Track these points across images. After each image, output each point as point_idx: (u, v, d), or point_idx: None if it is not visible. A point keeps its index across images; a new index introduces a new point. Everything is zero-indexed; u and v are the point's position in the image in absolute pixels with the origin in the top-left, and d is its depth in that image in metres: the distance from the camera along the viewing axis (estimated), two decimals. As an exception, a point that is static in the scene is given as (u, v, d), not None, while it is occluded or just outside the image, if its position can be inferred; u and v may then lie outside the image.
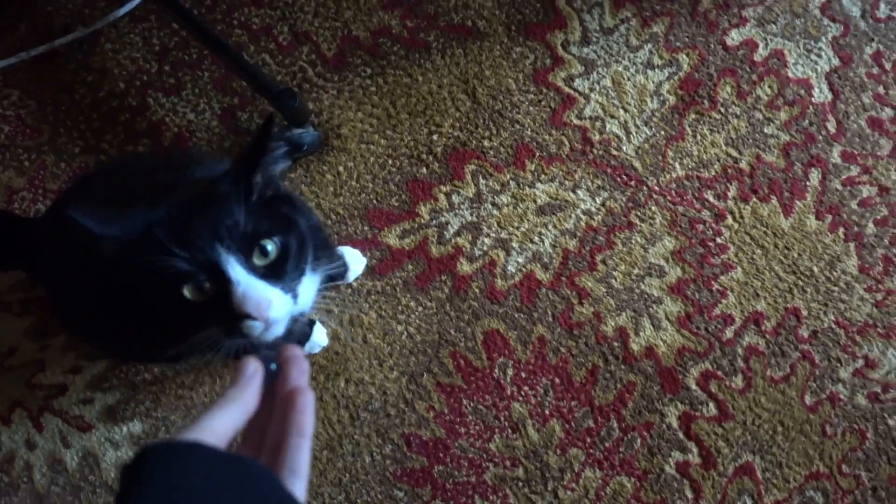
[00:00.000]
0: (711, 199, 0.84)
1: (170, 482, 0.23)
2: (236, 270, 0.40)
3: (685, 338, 0.82)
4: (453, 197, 0.85)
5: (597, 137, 0.86)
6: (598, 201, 0.84)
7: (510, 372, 0.81)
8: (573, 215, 0.84)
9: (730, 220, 0.84)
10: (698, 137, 0.85)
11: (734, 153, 0.85)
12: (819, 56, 0.86)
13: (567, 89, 0.87)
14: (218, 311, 0.41)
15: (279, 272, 0.42)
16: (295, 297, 0.44)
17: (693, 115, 0.86)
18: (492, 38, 0.88)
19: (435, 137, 0.87)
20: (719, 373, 0.80)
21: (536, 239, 0.84)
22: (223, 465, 0.24)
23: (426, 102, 0.87)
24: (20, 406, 0.84)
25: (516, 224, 0.84)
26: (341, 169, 0.87)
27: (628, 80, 0.87)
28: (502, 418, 0.81)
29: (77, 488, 0.82)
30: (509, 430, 0.80)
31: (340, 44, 0.88)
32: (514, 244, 0.84)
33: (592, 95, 0.86)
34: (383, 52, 0.88)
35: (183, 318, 0.43)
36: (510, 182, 0.85)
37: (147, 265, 0.39)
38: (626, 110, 0.86)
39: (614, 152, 0.85)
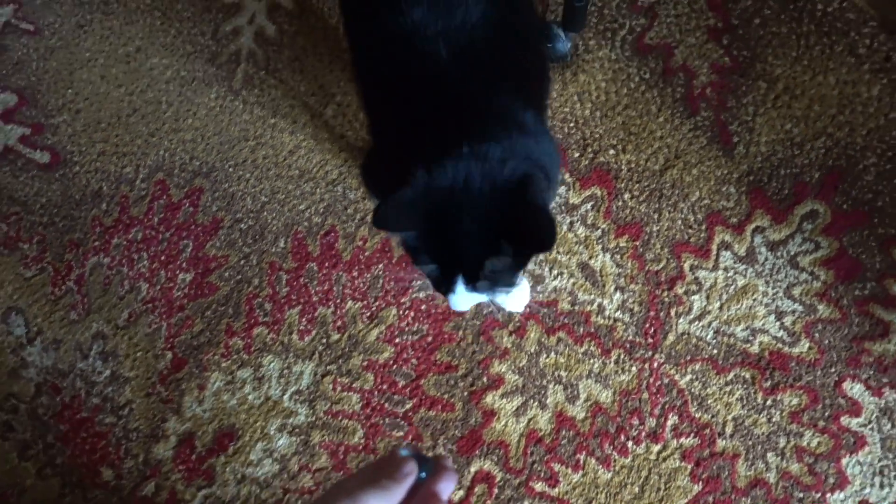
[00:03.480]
0: (669, 423, 1.30)
1: None
2: (459, 288, 0.91)
3: (518, 446, 1.30)
4: (561, 188, 1.44)
5: (680, 290, 1.36)
6: (614, 315, 1.36)
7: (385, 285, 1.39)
8: (592, 296, 1.37)
9: (655, 448, 1.29)
10: (728, 388, 1.31)
11: (729, 429, 1.29)
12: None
13: (714, 246, 1.38)
14: (435, 280, 0.94)
15: (487, 289, 0.93)
16: (491, 293, 0.96)
17: (748, 374, 1.31)
18: (733, 159, 1.42)
19: (612, 152, 1.46)
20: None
21: (556, 272, 1.39)
22: None
23: (639, 129, 1.46)
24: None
25: (562, 250, 1.40)
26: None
27: (752, 300, 1.35)
28: (370, 301, 1.39)
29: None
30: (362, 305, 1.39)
31: (657, 42, 1.51)
32: (542, 256, 1.39)
33: (721, 271, 1.37)
34: (671, 81, 1.49)
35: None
36: (598, 231, 1.41)
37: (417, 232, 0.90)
38: (721, 308, 1.35)
39: (672, 312, 1.35)
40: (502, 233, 0.88)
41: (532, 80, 1.08)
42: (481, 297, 0.96)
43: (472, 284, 0.91)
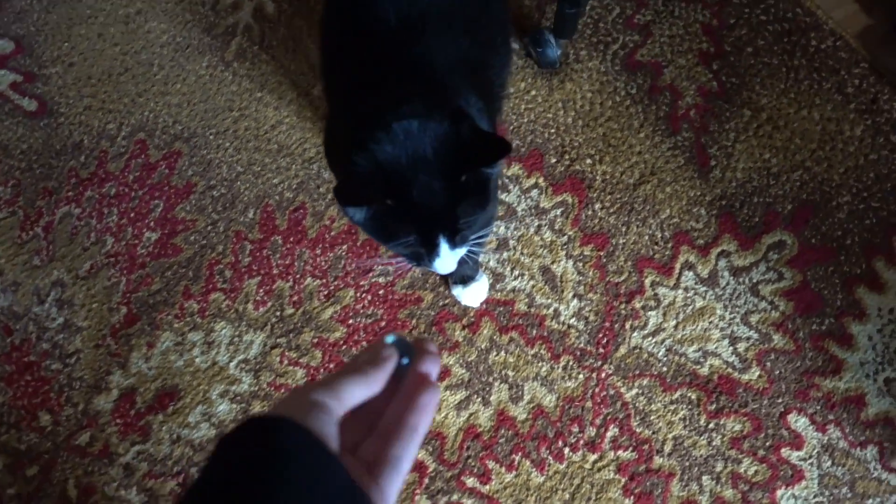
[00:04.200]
0: (609, 434, 1.30)
1: (299, 481, 0.40)
2: (444, 248, 0.91)
3: (455, 439, 1.31)
4: (534, 192, 1.46)
5: (638, 304, 1.37)
6: (569, 321, 1.37)
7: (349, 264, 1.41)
8: (549, 301, 1.39)
9: (591, 458, 1.29)
10: (673, 406, 1.32)
11: (668, 447, 1.29)
12: None
13: (678, 265, 1.39)
14: (413, 254, 0.94)
15: (468, 238, 0.94)
16: (469, 244, 0.96)
17: (694, 395, 1.32)
18: (708, 182, 1.44)
19: (588, 161, 1.48)
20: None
21: (517, 272, 1.41)
22: (344, 493, 0.42)
23: (618, 142, 1.48)
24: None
25: (526, 252, 1.41)
26: (533, 93, 1.54)
27: (709, 322, 1.36)
28: (329, 283, 1.41)
29: None
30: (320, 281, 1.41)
31: (648, 59, 1.54)
32: (506, 253, 1.41)
33: (681, 291, 1.38)
34: (657, 99, 1.51)
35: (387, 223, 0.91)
36: (565, 237, 1.43)
37: (380, 206, 0.88)
38: (676, 326, 1.36)
39: (627, 325, 1.36)
40: (460, 168, 0.89)
41: (485, 66, 1.10)
42: (462, 252, 0.96)
43: (454, 240, 0.92)
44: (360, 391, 0.48)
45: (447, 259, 0.93)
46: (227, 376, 1.39)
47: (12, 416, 1.40)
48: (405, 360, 0.53)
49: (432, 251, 0.92)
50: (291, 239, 1.47)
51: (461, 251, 0.95)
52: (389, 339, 0.54)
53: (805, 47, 1.53)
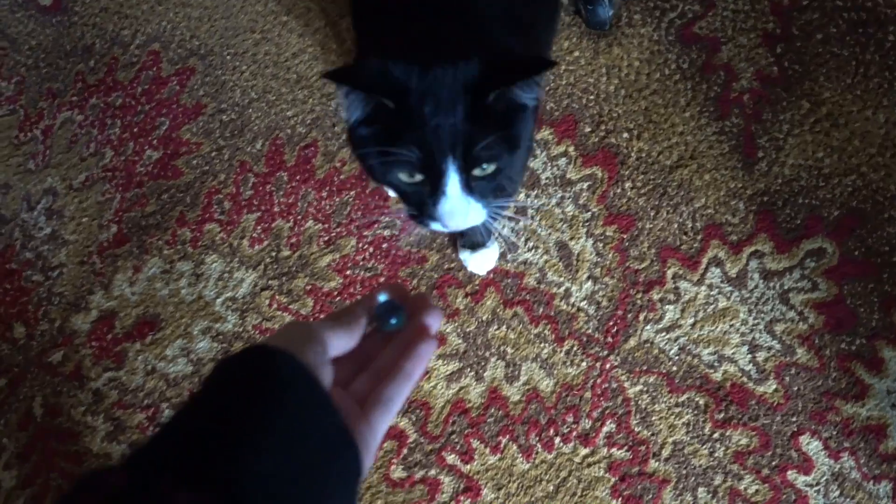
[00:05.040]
0: (605, 429, 1.23)
1: (293, 419, 0.41)
2: (453, 185, 0.73)
3: (442, 412, 1.23)
4: (562, 160, 1.36)
5: (656, 296, 1.28)
6: (579, 304, 1.29)
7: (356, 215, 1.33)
8: (561, 279, 1.30)
9: (582, 451, 1.22)
10: (678, 409, 1.24)
11: (666, 451, 1.21)
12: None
13: (705, 260, 1.30)
14: (416, 196, 0.77)
15: (487, 188, 0.77)
16: (489, 208, 0.79)
17: (702, 400, 1.23)
18: (752, 175, 1.33)
19: (625, 135, 1.37)
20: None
21: (531, 244, 1.31)
22: (335, 436, 0.43)
23: (660, 119, 1.37)
24: None
25: (544, 223, 1.32)
26: (576, 55, 1.43)
27: (729, 325, 1.27)
28: (331, 230, 1.33)
29: None
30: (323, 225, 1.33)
31: (706, 33, 1.42)
32: (522, 225, 1.32)
33: (704, 287, 1.29)
34: (709, 78, 1.39)
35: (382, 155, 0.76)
36: (588, 214, 1.33)
37: (383, 129, 0.74)
38: (693, 325, 1.27)
39: (641, 316, 1.27)
40: (488, 86, 0.74)
41: (532, 23, 0.99)
42: (478, 211, 0.79)
43: (467, 175, 0.76)
44: (343, 343, 0.49)
45: (456, 203, 0.75)
46: (211, 313, 1.33)
47: (-14, 324, 1.35)
48: (394, 321, 0.53)
49: (437, 184, 0.75)
50: (298, 177, 1.38)
51: (476, 208, 0.78)
52: (382, 297, 0.53)
53: (880, 42, 1.40)
